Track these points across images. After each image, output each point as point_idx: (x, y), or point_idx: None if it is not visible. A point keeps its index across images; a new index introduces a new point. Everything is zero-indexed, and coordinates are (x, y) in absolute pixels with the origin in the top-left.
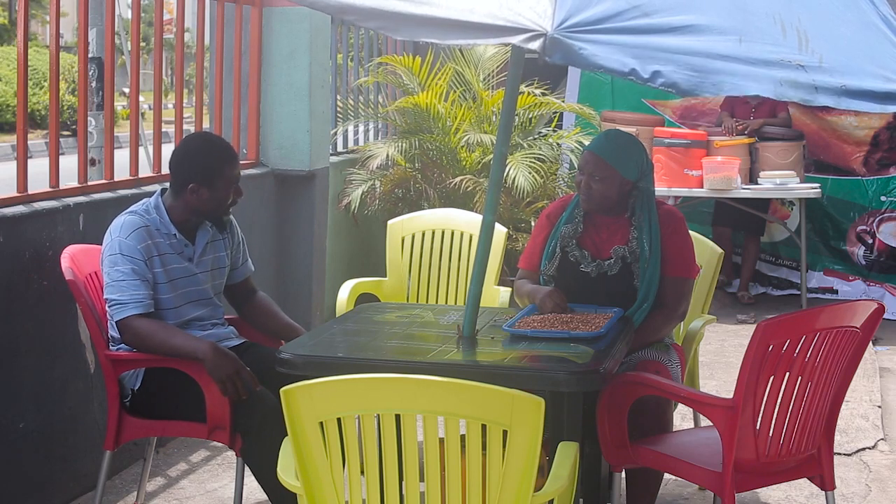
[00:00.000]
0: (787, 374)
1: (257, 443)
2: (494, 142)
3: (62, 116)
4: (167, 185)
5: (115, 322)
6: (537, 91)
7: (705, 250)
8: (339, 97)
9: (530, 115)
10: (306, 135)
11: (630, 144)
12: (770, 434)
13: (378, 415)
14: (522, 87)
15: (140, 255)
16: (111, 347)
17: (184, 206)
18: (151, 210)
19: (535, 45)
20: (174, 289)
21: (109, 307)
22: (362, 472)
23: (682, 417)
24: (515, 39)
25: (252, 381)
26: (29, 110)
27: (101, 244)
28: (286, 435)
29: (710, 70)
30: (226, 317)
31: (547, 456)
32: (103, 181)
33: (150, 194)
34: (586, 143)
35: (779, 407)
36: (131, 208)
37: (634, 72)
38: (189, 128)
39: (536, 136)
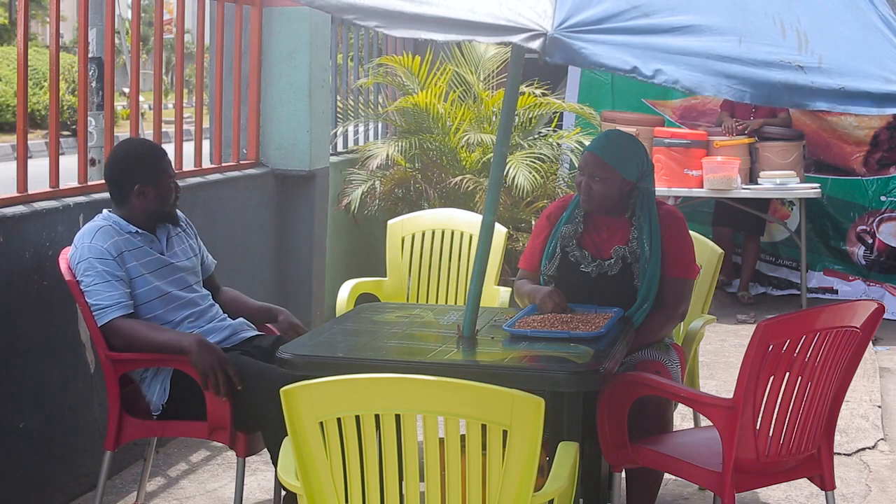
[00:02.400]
0: (787, 374)
1: (279, 432)
2: (494, 142)
3: (62, 116)
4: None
5: (100, 327)
6: (537, 91)
7: (705, 250)
8: (339, 97)
9: (530, 115)
10: (306, 135)
11: (630, 145)
12: (770, 434)
13: (378, 415)
14: (522, 88)
15: (109, 254)
16: None
17: (132, 213)
18: (109, 217)
19: (535, 44)
20: (157, 277)
21: (93, 313)
22: (362, 473)
23: (682, 417)
24: (515, 39)
25: (236, 380)
26: (29, 110)
27: None
28: None
29: (710, 71)
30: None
31: (547, 456)
32: (103, 181)
33: None
34: (586, 143)
35: (779, 407)
36: (89, 220)
37: (636, 69)
38: (189, 128)
39: (536, 136)
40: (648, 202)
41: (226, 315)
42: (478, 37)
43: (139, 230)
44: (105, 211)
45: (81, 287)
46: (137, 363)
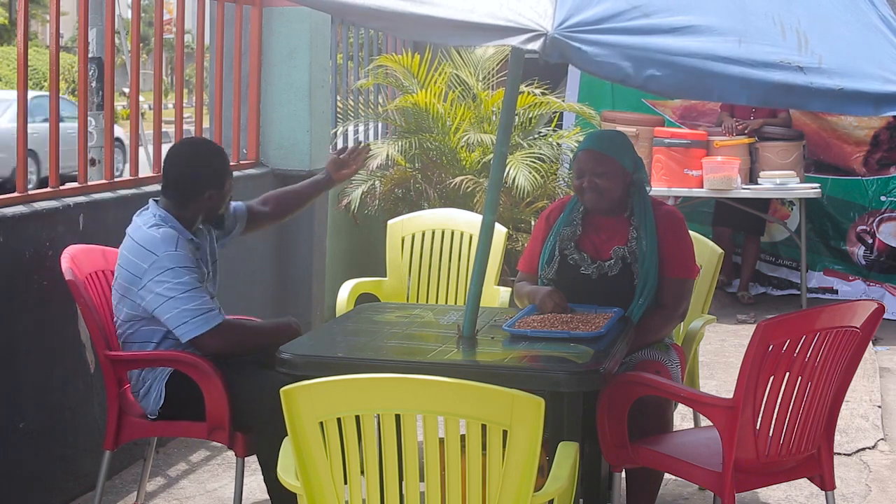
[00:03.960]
0: (787, 374)
1: (268, 438)
2: (494, 142)
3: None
4: (152, 199)
5: (204, 332)
6: (537, 91)
7: (705, 250)
8: (339, 97)
9: (530, 115)
10: (306, 135)
11: (619, 136)
12: (770, 434)
13: (378, 415)
14: (522, 87)
15: (193, 262)
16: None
17: (194, 214)
18: (168, 220)
19: (535, 45)
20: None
21: (189, 321)
22: (362, 473)
23: (682, 417)
24: (516, 41)
25: None
26: None
27: (123, 250)
28: None
29: (707, 72)
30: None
31: (547, 456)
32: (103, 181)
33: (150, 195)
34: None
35: (779, 407)
36: (149, 221)
37: (628, 77)
38: (189, 128)
39: (536, 136)
40: (644, 199)
41: None
42: (478, 40)
43: (193, 238)
44: (155, 207)
45: (166, 294)
46: (138, 363)
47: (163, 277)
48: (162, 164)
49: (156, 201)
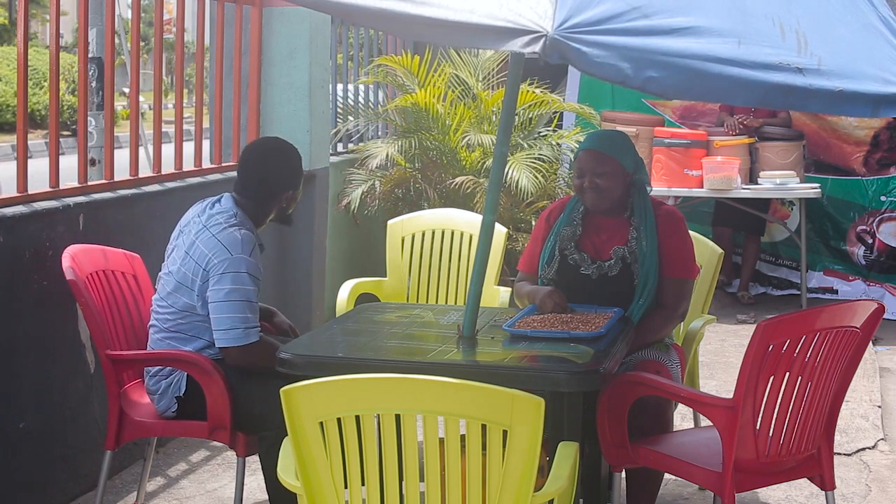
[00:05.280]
0: (787, 374)
1: (269, 438)
2: (494, 142)
3: (62, 116)
4: (225, 193)
5: (237, 346)
6: (537, 90)
7: (705, 250)
8: (339, 97)
9: (530, 115)
10: (306, 135)
11: (620, 136)
12: (770, 434)
13: (378, 415)
14: (522, 87)
15: (260, 274)
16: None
17: (267, 213)
18: (245, 222)
19: (535, 47)
20: None
21: (229, 329)
22: (362, 474)
23: (682, 417)
24: (516, 45)
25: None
26: (29, 110)
27: (196, 241)
28: None
29: (706, 74)
30: None
31: (547, 456)
32: (103, 181)
33: (149, 194)
34: None
35: (779, 407)
36: (230, 220)
37: (627, 78)
38: (189, 127)
39: (537, 136)
40: (644, 199)
41: None
42: (478, 42)
43: (261, 244)
44: (233, 204)
45: (223, 297)
46: (138, 363)
47: (227, 279)
48: (239, 164)
49: (232, 197)
